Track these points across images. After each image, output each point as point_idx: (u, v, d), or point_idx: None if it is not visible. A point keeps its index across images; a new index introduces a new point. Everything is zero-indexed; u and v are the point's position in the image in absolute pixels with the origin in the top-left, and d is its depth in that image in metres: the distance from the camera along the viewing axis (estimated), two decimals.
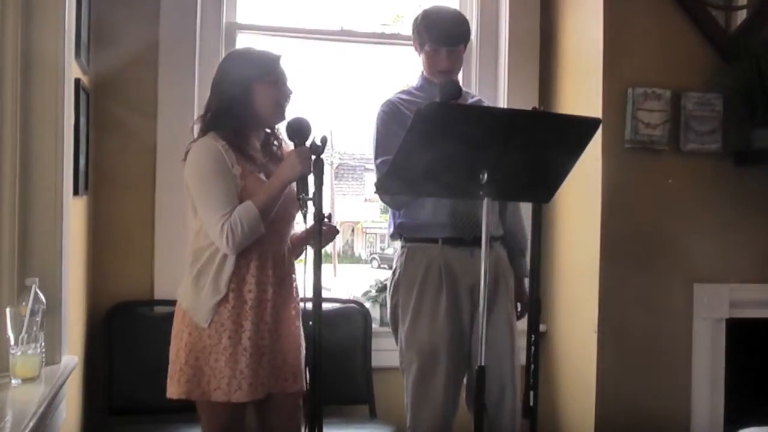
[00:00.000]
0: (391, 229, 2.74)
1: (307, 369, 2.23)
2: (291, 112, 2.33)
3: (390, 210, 2.76)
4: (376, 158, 2.64)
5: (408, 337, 2.61)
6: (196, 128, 2.34)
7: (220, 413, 2.23)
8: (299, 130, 2.22)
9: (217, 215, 2.17)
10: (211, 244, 2.22)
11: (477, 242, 2.51)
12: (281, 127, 2.32)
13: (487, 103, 2.89)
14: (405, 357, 2.63)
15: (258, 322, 2.24)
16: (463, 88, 2.69)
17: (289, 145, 2.31)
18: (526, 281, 2.74)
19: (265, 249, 2.26)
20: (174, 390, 2.23)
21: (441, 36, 2.58)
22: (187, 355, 2.21)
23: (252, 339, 2.22)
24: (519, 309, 2.78)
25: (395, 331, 2.68)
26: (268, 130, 2.38)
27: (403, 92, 2.73)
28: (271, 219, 2.22)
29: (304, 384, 2.30)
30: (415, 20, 2.66)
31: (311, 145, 2.17)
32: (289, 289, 2.34)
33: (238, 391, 2.19)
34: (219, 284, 2.21)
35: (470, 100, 2.75)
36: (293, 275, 2.37)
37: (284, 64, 2.32)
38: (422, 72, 2.72)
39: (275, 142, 2.39)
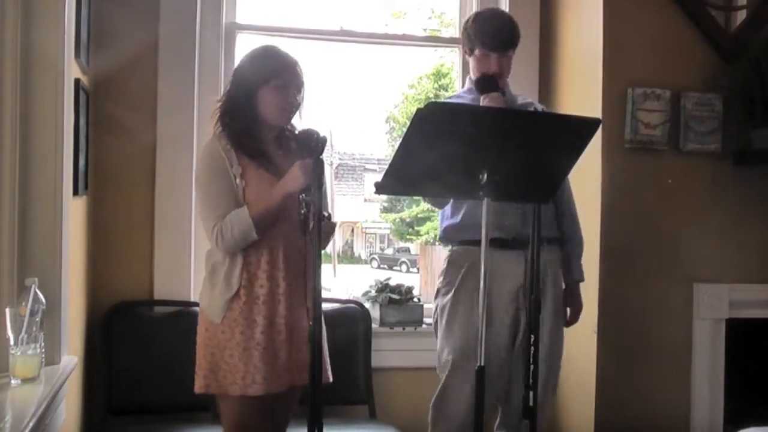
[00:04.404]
0: (439, 233, 2.73)
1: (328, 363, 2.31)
2: (307, 119, 2.36)
3: (438, 212, 2.74)
4: None
5: (442, 339, 2.59)
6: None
7: (237, 407, 2.27)
8: (310, 144, 2.18)
9: (209, 217, 2.24)
10: None
11: (518, 245, 2.49)
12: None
13: (540, 107, 2.77)
14: (440, 358, 2.60)
15: (272, 317, 2.25)
16: (512, 92, 2.67)
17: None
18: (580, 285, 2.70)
19: (276, 244, 2.27)
20: (197, 384, 2.29)
21: (490, 42, 2.56)
22: (205, 351, 2.28)
23: (266, 333, 2.23)
24: (569, 315, 2.69)
25: (435, 332, 2.66)
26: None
27: (452, 96, 2.75)
28: (280, 219, 2.23)
29: (330, 376, 2.34)
30: (466, 23, 2.64)
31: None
32: (302, 286, 2.31)
33: (253, 384, 2.22)
34: (231, 281, 2.25)
35: (520, 101, 2.70)
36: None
37: (300, 71, 2.31)
38: (469, 77, 2.69)
39: (288, 135, 2.38)
